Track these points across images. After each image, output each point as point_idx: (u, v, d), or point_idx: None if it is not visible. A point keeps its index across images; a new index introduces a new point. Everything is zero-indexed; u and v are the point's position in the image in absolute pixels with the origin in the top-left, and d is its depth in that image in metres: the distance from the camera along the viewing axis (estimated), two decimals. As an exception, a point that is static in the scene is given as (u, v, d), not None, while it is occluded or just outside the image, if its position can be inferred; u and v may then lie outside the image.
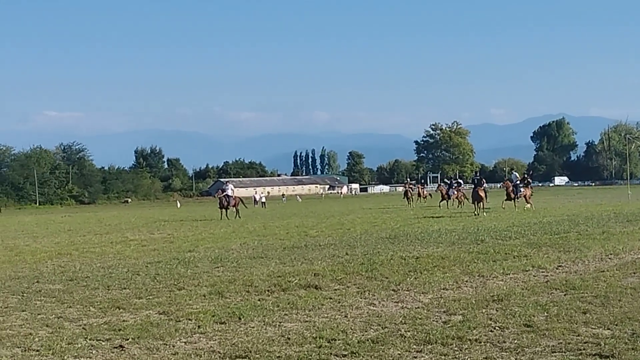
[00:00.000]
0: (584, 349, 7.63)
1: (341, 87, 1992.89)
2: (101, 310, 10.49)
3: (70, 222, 45.32)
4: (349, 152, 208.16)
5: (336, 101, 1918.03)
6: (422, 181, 62.83)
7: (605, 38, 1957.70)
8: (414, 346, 7.98)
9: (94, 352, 8.12)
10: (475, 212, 34.45)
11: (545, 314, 9.40)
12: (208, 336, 8.73)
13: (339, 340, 8.30)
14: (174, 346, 8.27)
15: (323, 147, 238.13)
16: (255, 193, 78.63)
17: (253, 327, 9.12)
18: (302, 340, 8.33)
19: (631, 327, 8.57)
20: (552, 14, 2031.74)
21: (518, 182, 40.69)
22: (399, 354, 7.69)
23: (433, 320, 9.28)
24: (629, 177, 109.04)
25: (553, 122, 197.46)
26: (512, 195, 38.98)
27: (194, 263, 16.07)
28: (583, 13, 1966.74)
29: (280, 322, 9.40)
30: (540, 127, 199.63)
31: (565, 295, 10.78)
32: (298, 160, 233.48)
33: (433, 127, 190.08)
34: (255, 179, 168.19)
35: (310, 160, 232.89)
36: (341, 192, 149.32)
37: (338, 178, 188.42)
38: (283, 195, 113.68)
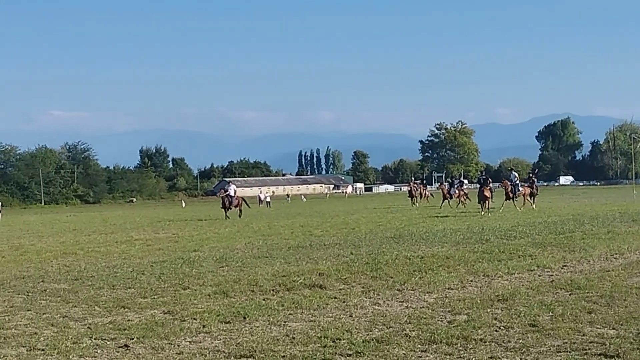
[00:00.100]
0: (589, 349, 7.61)
1: (346, 86, 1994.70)
2: (106, 310, 10.51)
3: (75, 222, 45.40)
4: (354, 152, 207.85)
5: (341, 101, 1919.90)
6: (424, 181, 62.48)
7: (611, 38, 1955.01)
8: (419, 346, 7.97)
9: (99, 351, 8.13)
10: (482, 212, 34.47)
11: (551, 313, 9.38)
12: (213, 335, 8.73)
13: (343, 339, 8.29)
14: (178, 345, 8.28)
15: (328, 147, 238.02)
16: (260, 193, 78.79)
17: (258, 327, 9.13)
18: (307, 340, 8.33)
19: (636, 327, 8.54)
20: (558, 13, 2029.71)
21: (517, 181, 40.78)
22: (403, 354, 7.68)
23: (438, 320, 9.27)
24: (634, 177, 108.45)
25: (558, 121, 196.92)
26: (511, 195, 39.08)
27: (199, 262, 16.08)
28: (588, 12, 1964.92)
29: (285, 322, 9.40)
30: (545, 126, 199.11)
31: (570, 294, 10.76)
32: (303, 160, 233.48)
33: (438, 126, 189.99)
34: (260, 178, 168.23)
35: (315, 159, 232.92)
36: (346, 192, 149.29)
37: (343, 178, 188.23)
38: (288, 195, 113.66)
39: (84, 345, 8.37)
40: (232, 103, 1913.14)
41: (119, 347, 8.27)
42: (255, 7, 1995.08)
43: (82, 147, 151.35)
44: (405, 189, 74.57)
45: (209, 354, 7.88)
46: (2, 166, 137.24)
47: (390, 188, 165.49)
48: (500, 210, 37.10)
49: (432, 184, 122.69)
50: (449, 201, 46.47)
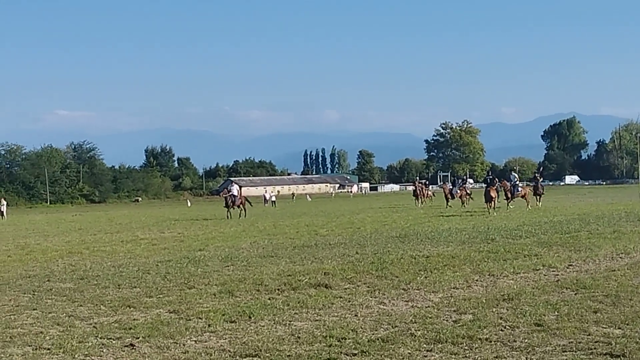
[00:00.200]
0: (594, 349, 7.59)
1: (351, 86, 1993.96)
2: (112, 309, 10.53)
3: (80, 221, 45.51)
4: (359, 151, 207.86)
5: (346, 100, 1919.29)
6: (426, 181, 62.26)
7: (617, 37, 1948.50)
8: (424, 345, 7.96)
9: (104, 350, 8.15)
10: (488, 212, 34.44)
11: (556, 313, 9.36)
12: (218, 335, 8.74)
13: (349, 339, 8.29)
14: (184, 345, 8.29)
15: (333, 146, 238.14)
16: (266, 192, 78.86)
17: (263, 326, 9.13)
18: (312, 339, 8.33)
19: (643, 326, 8.52)
20: (564, 12, 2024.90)
21: (517, 182, 40.94)
22: (409, 353, 7.67)
23: (443, 319, 9.26)
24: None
25: (564, 121, 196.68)
26: (509, 195, 39.13)
27: (204, 262, 16.10)
28: (594, 12, 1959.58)
29: (290, 321, 9.40)
30: (550, 126, 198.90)
31: (576, 294, 10.73)
32: (308, 159, 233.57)
33: (443, 126, 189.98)
34: (266, 178, 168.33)
35: (320, 159, 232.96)
36: (351, 191, 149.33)
37: (348, 177, 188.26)
38: (293, 194, 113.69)
39: (90, 344, 8.38)
40: (237, 103, 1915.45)
41: (125, 346, 8.28)
42: (262, 7, 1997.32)
43: (87, 146, 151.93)
44: (411, 188, 74.54)
45: (214, 353, 7.88)
46: (8, 165, 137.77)
47: (396, 187, 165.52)
48: (507, 209, 37.17)
49: (437, 184, 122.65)
50: (449, 201, 45.88)
